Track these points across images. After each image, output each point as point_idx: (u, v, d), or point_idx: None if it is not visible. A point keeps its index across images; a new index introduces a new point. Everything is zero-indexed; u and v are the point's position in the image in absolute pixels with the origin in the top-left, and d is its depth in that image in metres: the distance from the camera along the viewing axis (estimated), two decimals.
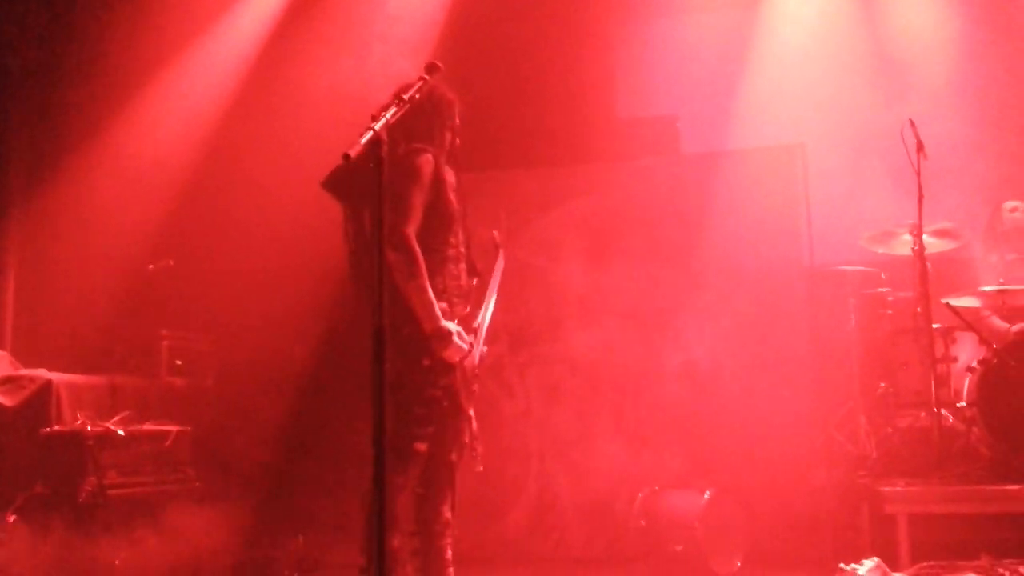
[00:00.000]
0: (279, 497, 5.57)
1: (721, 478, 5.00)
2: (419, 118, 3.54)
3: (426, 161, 3.58)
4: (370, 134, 2.69)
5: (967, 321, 5.05)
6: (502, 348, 5.70)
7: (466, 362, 3.60)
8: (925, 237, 5.09)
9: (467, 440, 3.69)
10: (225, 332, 6.02)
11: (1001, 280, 5.07)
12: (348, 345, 4.41)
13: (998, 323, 5.14)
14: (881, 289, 5.68)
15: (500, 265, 3.94)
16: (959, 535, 4.58)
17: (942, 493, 4.64)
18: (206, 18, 6.44)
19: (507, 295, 4.04)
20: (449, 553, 3.63)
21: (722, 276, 5.59)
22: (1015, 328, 5.02)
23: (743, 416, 5.31)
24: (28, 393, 5.09)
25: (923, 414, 5.07)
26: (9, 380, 5.19)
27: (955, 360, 5.19)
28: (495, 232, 3.97)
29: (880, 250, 5.55)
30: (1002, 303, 5.03)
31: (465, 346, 3.56)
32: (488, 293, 3.84)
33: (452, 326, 3.52)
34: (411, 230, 3.48)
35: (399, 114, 2.89)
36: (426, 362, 3.49)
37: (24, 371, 5.35)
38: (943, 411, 4.95)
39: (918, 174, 4.95)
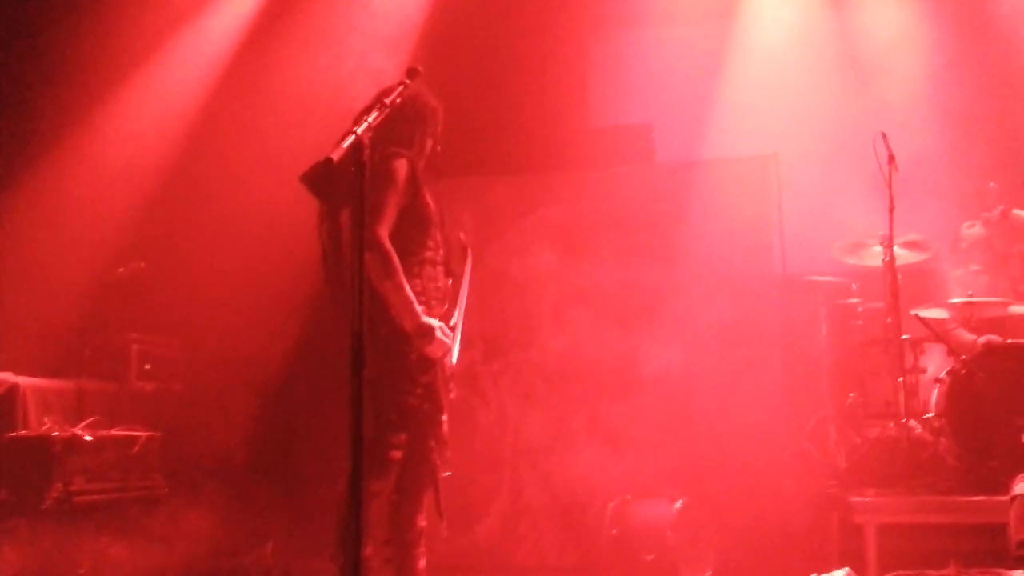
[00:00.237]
0: (249, 504, 5.51)
1: (693, 487, 5.02)
2: (400, 123, 3.57)
3: (402, 165, 3.60)
4: (352, 138, 2.69)
5: (936, 332, 5.12)
6: (476, 355, 5.69)
7: (445, 360, 3.62)
8: (895, 249, 5.15)
9: (435, 444, 3.66)
10: (196, 336, 5.96)
11: (969, 292, 5.14)
12: (323, 348, 4.38)
13: (966, 335, 5.21)
14: (852, 300, 5.74)
15: (468, 265, 3.95)
16: (927, 545, 4.62)
17: (910, 503, 4.69)
18: (181, 16, 6.37)
19: (481, 302, 4.06)
20: (422, 563, 3.62)
21: (695, 285, 5.62)
22: (982, 340, 5.08)
23: (715, 425, 5.34)
24: None
25: (892, 424, 5.12)
26: None
27: (924, 371, 5.25)
28: (462, 234, 3.99)
29: (852, 261, 5.61)
30: (970, 315, 5.10)
31: (448, 340, 3.59)
32: (460, 293, 3.86)
33: (434, 321, 3.54)
34: (384, 230, 3.49)
35: (380, 118, 2.89)
36: (406, 361, 3.50)
37: None
38: (912, 422, 5.00)
39: (889, 186, 5.01)
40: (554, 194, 6.00)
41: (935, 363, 5.30)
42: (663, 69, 6.69)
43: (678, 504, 4.77)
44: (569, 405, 5.65)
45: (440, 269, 3.71)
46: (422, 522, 3.64)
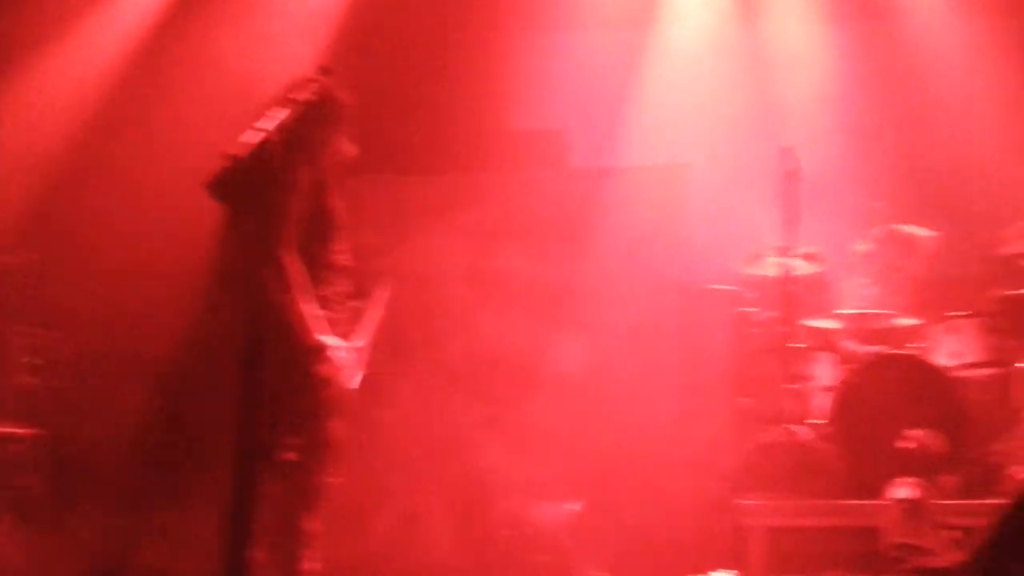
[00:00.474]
0: (134, 504, 5.36)
1: (590, 489, 5.12)
2: (309, 122, 3.41)
3: (305, 169, 3.51)
4: (258, 135, 2.65)
5: (826, 342, 5.34)
6: (380, 356, 5.68)
7: (342, 378, 3.56)
8: (792, 260, 5.34)
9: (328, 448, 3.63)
10: (87, 331, 5.75)
11: (858, 304, 5.38)
12: (216, 349, 4.31)
13: (854, 345, 5.44)
14: (750, 308, 5.91)
15: (385, 294, 3.88)
16: (813, 548, 4.81)
17: (797, 507, 4.88)
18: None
19: (388, 301, 4.03)
20: (312, 566, 3.57)
21: (602, 290, 5.73)
22: (870, 350, 5.32)
23: (616, 428, 5.45)
24: None
25: (782, 430, 5.31)
26: None
27: (814, 379, 5.44)
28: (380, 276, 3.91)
29: (751, 271, 5.78)
30: (859, 326, 5.33)
31: (343, 361, 3.53)
32: (370, 318, 3.78)
33: (331, 340, 3.48)
34: (284, 241, 3.39)
35: (288, 115, 2.85)
36: (302, 373, 3.45)
37: None
38: (802, 428, 5.18)
39: (790, 200, 5.20)
40: (468, 195, 6.03)
41: (826, 372, 5.51)
42: (582, 75, 6.76)
43: (573, 506, 4.86)
44: (473, 406, 5.68)
45: (344, 274, 3.64)
46: (313, 525, 3.58)
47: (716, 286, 5.92)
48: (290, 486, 3.52)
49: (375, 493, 5.53)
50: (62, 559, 4.69)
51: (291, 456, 3.48)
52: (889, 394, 5.05)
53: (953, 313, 5.43)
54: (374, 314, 3.80)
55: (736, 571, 4.47)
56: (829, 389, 5.24)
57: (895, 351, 5.27)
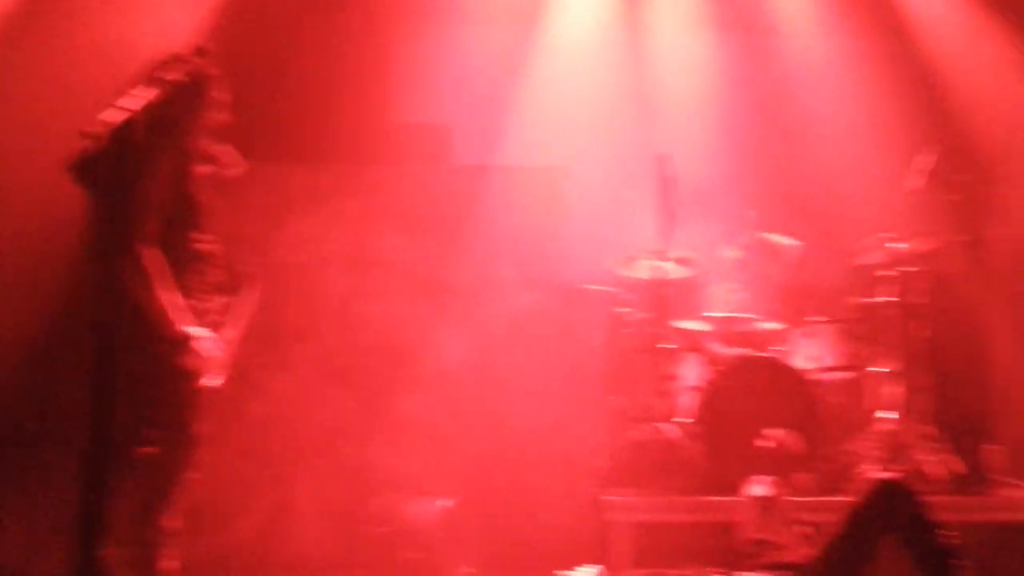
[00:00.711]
0: None
1: (462, 485, 5.15)
2: (177, 104, 3.29)
3: (170, 155, 3.40)
4: (118, 114, 2.55)
5: (694, 343, 5.51)
6: (254, 346, 5.56)
7: (207, 369, 3.47)
8: (664, 263, 5.49)
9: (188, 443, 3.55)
10: None
11: (726, 308, 5.57)
12: (72, 338, 4.13)
13: (720, 347, 5.63)
14: (623, 309, 6.04)
15: (255, 295, 3.79)
16: (676, 542, 4.96)
17: (661, 503, 5.02)
18: None
19: (261, 292, 3.94)
20: (169, 564, 3.47)
21: (482, 287, 5.76)
22: (735, 352, 5.52)
23: (489, 424, 5.50)
24: None
25: (651, 428, 5.45)
26: None
27: (682, 379, 5.60)
28: (250, 267, 3.83)
29: (626, 273, 5.91)
30: (726, 329, 5.53)
31: (210, 352, 3.44)
32: (241, 308, 3.70)
33: (195, 331, 3.40)
34: (144, 232, 3.29)
35: (155, 95, 2.76)
36: (163, 365, 3.36)
37: None
38: (670, 426, 5.34)
39: (665, 205, 5.34)
40: (349, 187, 5.96)
41: (693, 372, 5.68)
42: (468, 70, 6.75)
43: (443, 502, 4.88)
44: (346, 402, 5.63)
45: (211, 262, 3.55)
46: (170, 522, 3.48)
47: (592, 286, 6.02)
48: (146, 481, 3.43)
49: (243, 488, 5.42)
50: None
51: (149, 450, 3.38)
52: (751, 395, 5.25)
53: (813, 319, 5.69)
54: (246, 304, 3.71)
55: (601, 566, 4.56)
56: (696, 389, 5.40)
57: (757, 354, 5.48)
